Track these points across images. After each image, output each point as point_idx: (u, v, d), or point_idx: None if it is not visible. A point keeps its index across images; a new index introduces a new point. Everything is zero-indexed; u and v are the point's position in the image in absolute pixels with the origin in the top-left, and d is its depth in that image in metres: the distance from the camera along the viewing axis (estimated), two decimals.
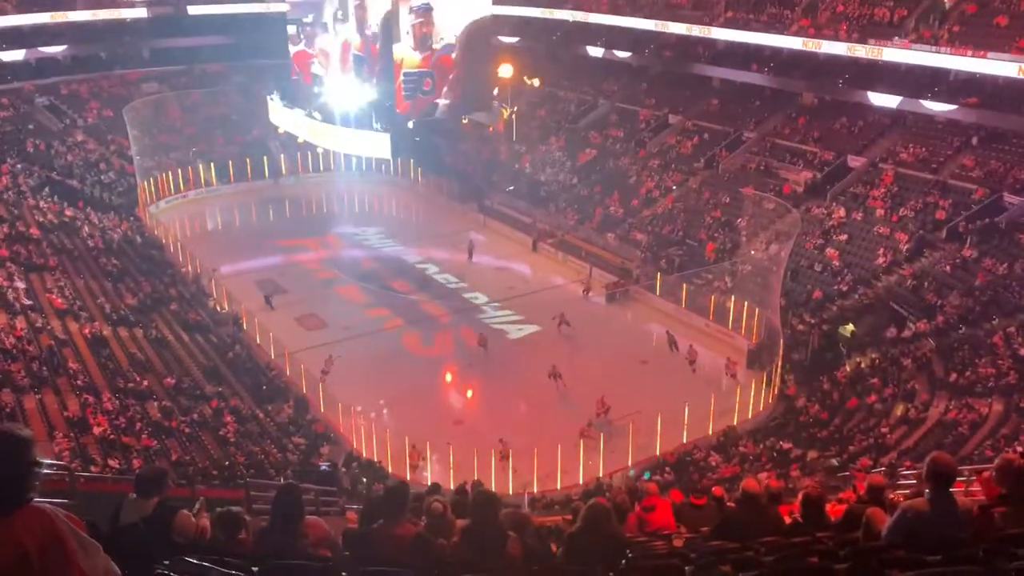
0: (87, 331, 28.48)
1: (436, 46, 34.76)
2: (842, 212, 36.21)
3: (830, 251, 34.56)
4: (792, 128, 42.72)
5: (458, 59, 34.87)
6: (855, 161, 38.74)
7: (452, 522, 6.01)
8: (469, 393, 28.97)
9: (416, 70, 34.75)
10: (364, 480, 22.30)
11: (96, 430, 21.83)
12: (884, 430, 23.95)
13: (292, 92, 38.41)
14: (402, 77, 34.37)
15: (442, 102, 35.72)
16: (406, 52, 34.52)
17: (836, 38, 39.64)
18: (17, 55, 51.63)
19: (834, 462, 22.46)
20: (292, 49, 38.29)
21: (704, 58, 46.97)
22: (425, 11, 34.24)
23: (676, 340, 31.25)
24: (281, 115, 39.30)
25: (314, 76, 37.73)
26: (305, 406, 27.66)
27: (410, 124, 35.47)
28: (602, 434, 25.63)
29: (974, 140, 35.99)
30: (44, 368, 24.66)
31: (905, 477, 16.06)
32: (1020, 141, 34.39)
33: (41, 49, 52.56)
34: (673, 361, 30.69)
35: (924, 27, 37.55)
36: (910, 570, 4.34)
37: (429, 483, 18.32)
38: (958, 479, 7.39)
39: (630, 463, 24.85)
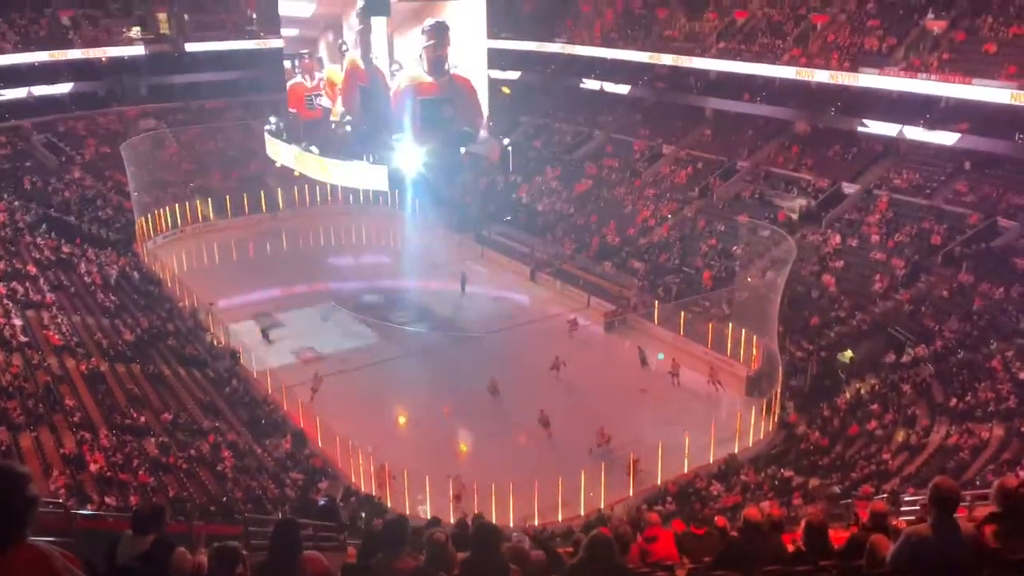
0: (84, 367, 28.37)
1: (452, 70, 32.49)
2: (838, 239, 36.34)
3: (827, 277, 34.63)
4: (786, 156, 43.02)
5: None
6: (849, 188, 38.99)
7: (453, 554, 5.94)
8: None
9: (433, 97, 32.33)
10: (363, 515, 22.11)
11: (93, 467, 21.66)
12: (886, 456, 23.83)
13: (289, 126, 38.47)
14: (419, 106, 32.50)
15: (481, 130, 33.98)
16: (419, 75, 32.44)
17: (827, 67, 40.11)
18: (18, 93, 51.94)
19: (836, 489, 22.30)
20: (289, 83, 38.35)
21: (697, 89, 47.42)
22: (439, 31, 31.63)
23: (647, 357, 31.82)
24: (277, 149, 39.41)
25: (323, 109, 37.42)
26: (303, 440, 27.49)
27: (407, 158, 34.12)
28: (603, 464, 25.49)
29: (967, 166, 36.26)
30: (40, 405, 24.52)
31: (908, 504, 15.94)
32: (1012, 166, 34.65)
33: (39, 88, 52.87)
34: (672, 390, 30.63)
35: (914, 55, 38.01)
36: None
37: (429, 516, 18.16)
38: (961, 504, 7.35)
39: (631, 494, 24.70)
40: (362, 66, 33.81)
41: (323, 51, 36.82)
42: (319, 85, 36.79)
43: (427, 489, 24.21)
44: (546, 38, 56.30)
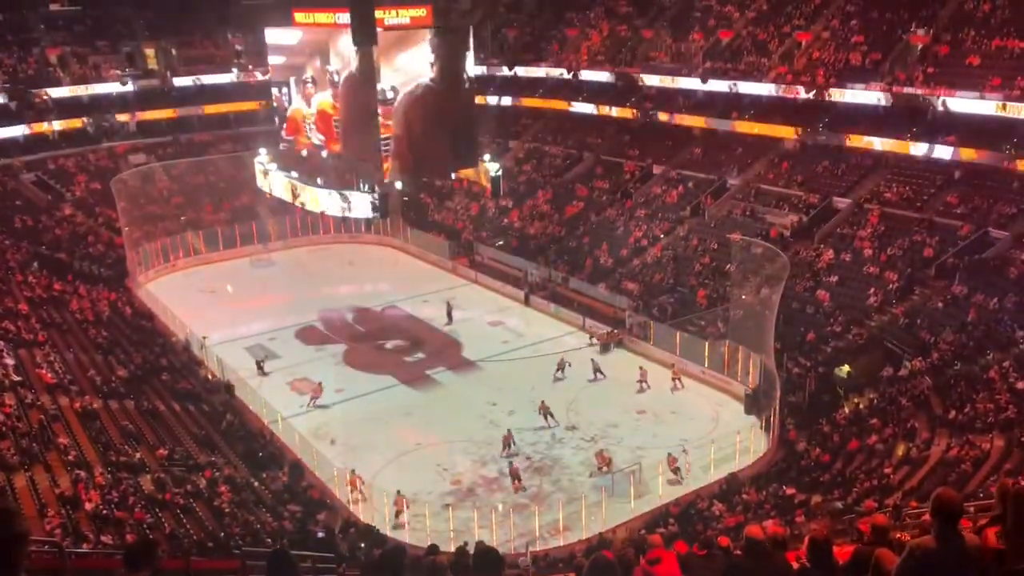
0: (78, 405, 28.15)
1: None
2: (831, 254, 36.43)
3: (821, 293, 34.66)
4: (776, 173, 43.21)
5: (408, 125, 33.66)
6: (840, 203, 39.14)
7: None
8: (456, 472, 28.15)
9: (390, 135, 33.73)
10: (362, 545, 21.89)
11: (88, 505, 21.41)
12: (887, 471, 23.71)
13: (284, 154, 38.47)
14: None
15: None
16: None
17: (813, 84, 40.43)
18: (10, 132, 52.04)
19: (838, 505, 22.16)
20: (289, 110, 37.81)
21: (684, 108, 47.72)
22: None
23: (566, 365, 32.90)
24: (267, 180, 39.43)
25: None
26: (300, 472, 27.26)
27: (397, 185, 34.77)
28: (604, 488, 25.36)
29: (956, 175, 36.43)
30: (34, 444, 24.28)
31: (912, 517, 15.83)
32: (1001, 177, 34.84)
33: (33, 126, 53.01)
34: (670, 411, 30.54)
35: (899, 69, 38.35)
36: None
37: (428, 543, 17.95)
38: (964, 516, 7.29)
39: (632, 516, 24.54)
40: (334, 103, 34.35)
41: (309, 75, 36.97)
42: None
43: (426, 519, 24.03)
44: (533, 62, 56.74)
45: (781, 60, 43.36)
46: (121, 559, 5.31)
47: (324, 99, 35.72)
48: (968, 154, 35.01)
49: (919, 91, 36.29)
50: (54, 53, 57.05)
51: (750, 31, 46.72)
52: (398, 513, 24.56)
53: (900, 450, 24.95)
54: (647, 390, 31.88)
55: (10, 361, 30.07)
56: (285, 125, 37.74)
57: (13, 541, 3.01)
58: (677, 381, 32.04)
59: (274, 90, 38.60)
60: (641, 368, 32.56)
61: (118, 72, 58.28)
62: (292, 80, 36.91)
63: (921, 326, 30.75)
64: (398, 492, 24.79)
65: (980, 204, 34.66)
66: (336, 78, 34.30)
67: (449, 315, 39.78)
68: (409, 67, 32.08)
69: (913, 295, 32.73)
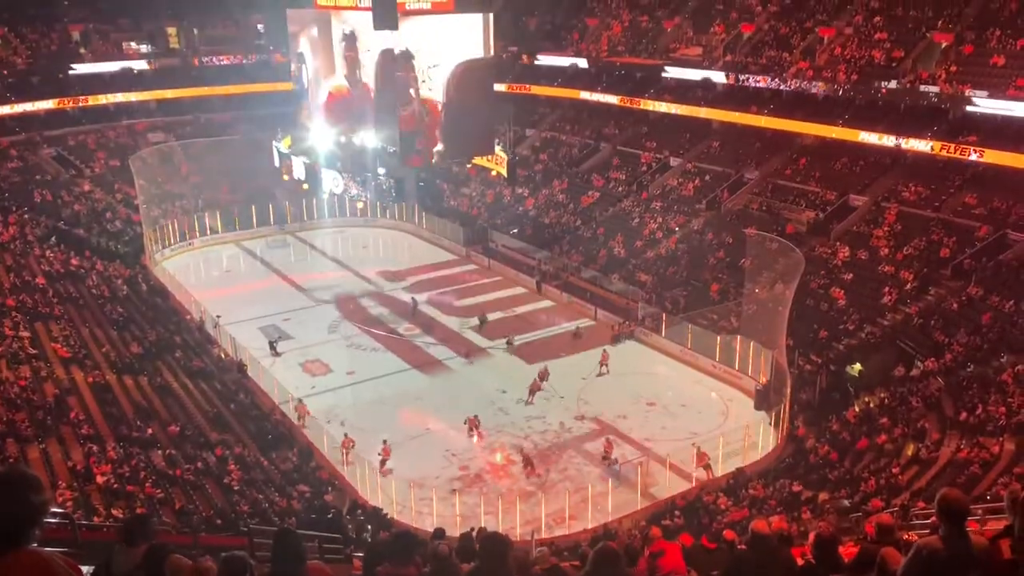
0: (91, 379, 28.42)
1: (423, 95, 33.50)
2: (846, 251, 36.23)
3: (835, 290, 34.50)
4: (793, 168, 42.97)
5: (448, 103, 33.99)
6: (857, 200, 38.88)
7: (457, 566, 5.89)
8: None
9: (407, 131, 33.62)
10: (369, 528, 22.04)
11: (100, 479, 21.67)
12: (895, 470, 23.64)
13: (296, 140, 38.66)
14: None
15: (437, 149, 35.12)
16: None
17: (834, 80, 40.10)
18: (27, 107, 52.31)
19: (845, 503, 22.14)
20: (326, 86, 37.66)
21: (704, 100, 47.45)
22: (405, 59, 32.84)
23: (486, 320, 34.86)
24: (287, 161, 39.59)
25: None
26: (309, 453, 27.45)
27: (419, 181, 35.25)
28: (610, 480, 25.42)
29: (973, 176, 36.08)
30: (48, 417, 24.56)
31: (919, 517, 15.80)
32: (1022, 178, 34.47)
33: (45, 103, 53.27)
34: (679, 404, 30.54)
35: (922, 67, 37.97)
36: None
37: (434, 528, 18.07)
38: (972, 518, 7.28)
39: (639, 508, 24.60)
40: (346, 84, 34.67)
41: (305, 47, 37.13)
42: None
43: (433, 503, 24.16)
44: (553, 51, 56.54)
45: (803, 55, 43.00)
46: (117, 533, 5.39)
47: (337, 82, 35.86)
48: (991, 155, 34.62)
49: (941, 89, 35.92)
50: (76, 30, 57.31)
51: (772, 25, 46.36)
52: (383, 462, 26.00)
53: (909, 450, 24.87)
54: (605, 374, 32.30)
55: (26, 334, 30.39)
56: (307, 105, 37.88)
57: (36, 509, 3.07)
58: (603, 365, 32.55)
59: (292, 66, 38.73)
60: (604, 351, 33.20)
61: (139, 50, 58.54)
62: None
63: (935, 326, 30.57)
64: (384, 441, 26.26)
65: (999, 206, 34.36)
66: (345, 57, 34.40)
67: (413, 311, 39.04)
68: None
69: (928, 295, 32.53)
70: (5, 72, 52.50)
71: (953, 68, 36.78)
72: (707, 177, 45.40)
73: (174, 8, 60.09)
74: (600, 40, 54.93)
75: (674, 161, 48.03)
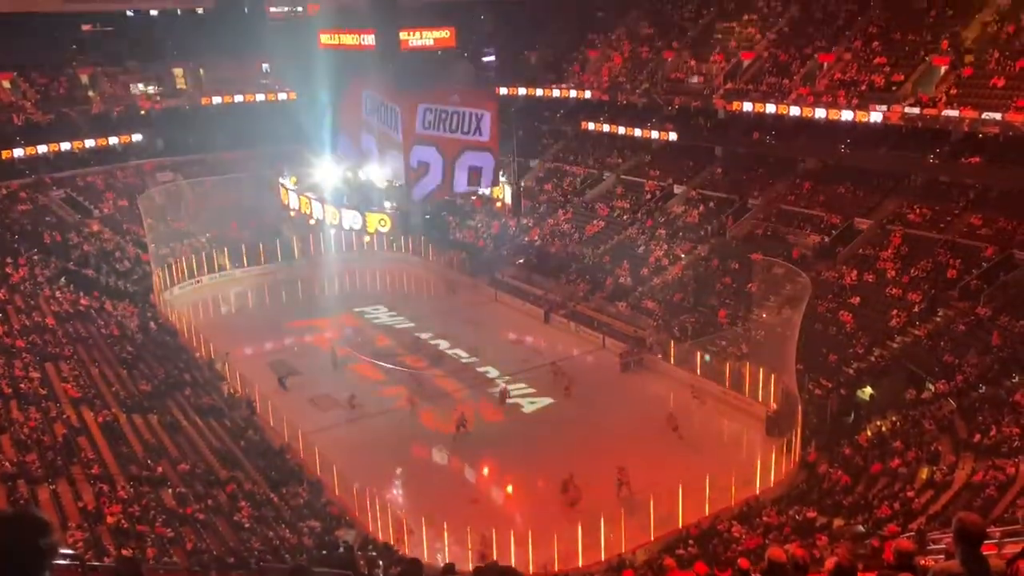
0: (101, 419, 28.43)
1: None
2: (853, 274, 36.20)
3: (843, 314, 34.42)
4: (797, 193, 43.08)
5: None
6: (862, 223, 38.92)
7: None
8: (510, 488, 27.78)
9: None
10: (381, 563, 21.85)
11: (110, 519, 21.60)
12: (910, 495, 23.41)
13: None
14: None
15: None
16: None
17: (835, 105, 40.32)
18: (39, 150, 52.89)
19: (861, 529, 21.91)
20: None
21: (706, 129, 47.72)
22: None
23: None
24: (292, 199, 39.94)
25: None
26: (320, 489, 27.33)
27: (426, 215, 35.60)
28: (623, 509, 25.18)
29: (975, 196, 36.09)
30: (58, 458, 24.55)
31: (936, 542, 15.62)
32: None
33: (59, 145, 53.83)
34: (691, 431, 30.34)
35: (922, 91, 38.18)
36: None
37: (445, 563, 17.92)
38: (990, 541, 7.22)
39: (652, 537, 24.35)
40: None
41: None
42: None
43: (445, 537, 23.97)
44: (554, 83, 57.02)
45: (803, 81, 43.29)
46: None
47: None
48: (994, 175, 34.71)
49: (942, 112, 36.08)
50: (85, 73, 58.14)
51: (771, 52, 46.73)
52: (459, 426, 28.98)
53: (924, 474, 24.65)
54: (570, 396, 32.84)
55: (36, 375, 30.47)
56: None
57: (45, 552, 3.07)
58: (559, 375, 33.88)
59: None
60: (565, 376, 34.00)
61: (147, 91, 59.32)
62: None
63: (945, 348, 30.43)
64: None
65: (1005, 226, 34.34)
66: None
67: (334, 363, 36.74)
68: None
69: (936, 317, 32.43)
70: (15, 116, 53.16)
71: (953, 90, 36.98)
72: (711, 204, 45.52)
73: (181, 50, 60.97)
74: (601, 72, 55.41)
75: (678, 189, 48.21)
